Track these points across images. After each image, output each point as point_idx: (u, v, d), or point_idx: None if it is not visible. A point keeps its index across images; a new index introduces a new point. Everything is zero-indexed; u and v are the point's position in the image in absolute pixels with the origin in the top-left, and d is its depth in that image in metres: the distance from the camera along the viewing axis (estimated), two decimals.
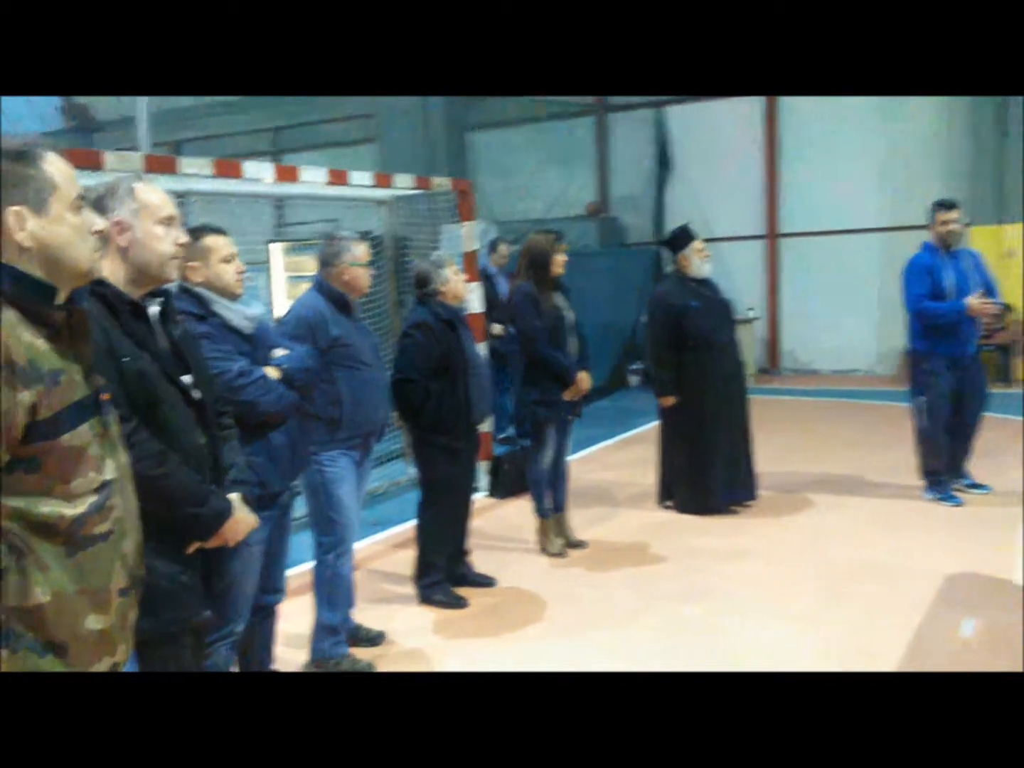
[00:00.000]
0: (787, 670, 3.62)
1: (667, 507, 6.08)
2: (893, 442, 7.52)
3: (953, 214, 5.79)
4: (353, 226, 6.39)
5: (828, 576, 4.78)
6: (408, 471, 6.82)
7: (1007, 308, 9.63)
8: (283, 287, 6.48)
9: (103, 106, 13.30)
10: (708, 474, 5.86)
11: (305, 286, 6.41)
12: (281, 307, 6.18)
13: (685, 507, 5.96)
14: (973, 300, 5.63)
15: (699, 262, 5.89)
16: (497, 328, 7.67)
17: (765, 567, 4.98)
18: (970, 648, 3.88)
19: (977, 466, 6.18)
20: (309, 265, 6.58)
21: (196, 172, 4.67)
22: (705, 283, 5.94)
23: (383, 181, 6.27)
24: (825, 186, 11.26)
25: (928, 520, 5.63)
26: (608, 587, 4.79)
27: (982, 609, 4.23)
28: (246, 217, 6.33)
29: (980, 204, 9.50)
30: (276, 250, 6.47)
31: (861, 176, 11.08)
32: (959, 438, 6.02)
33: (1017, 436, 7.36)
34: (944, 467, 5.99)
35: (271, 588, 3.27)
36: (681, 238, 5.98)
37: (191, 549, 2.17)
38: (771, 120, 11.47)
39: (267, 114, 14.01)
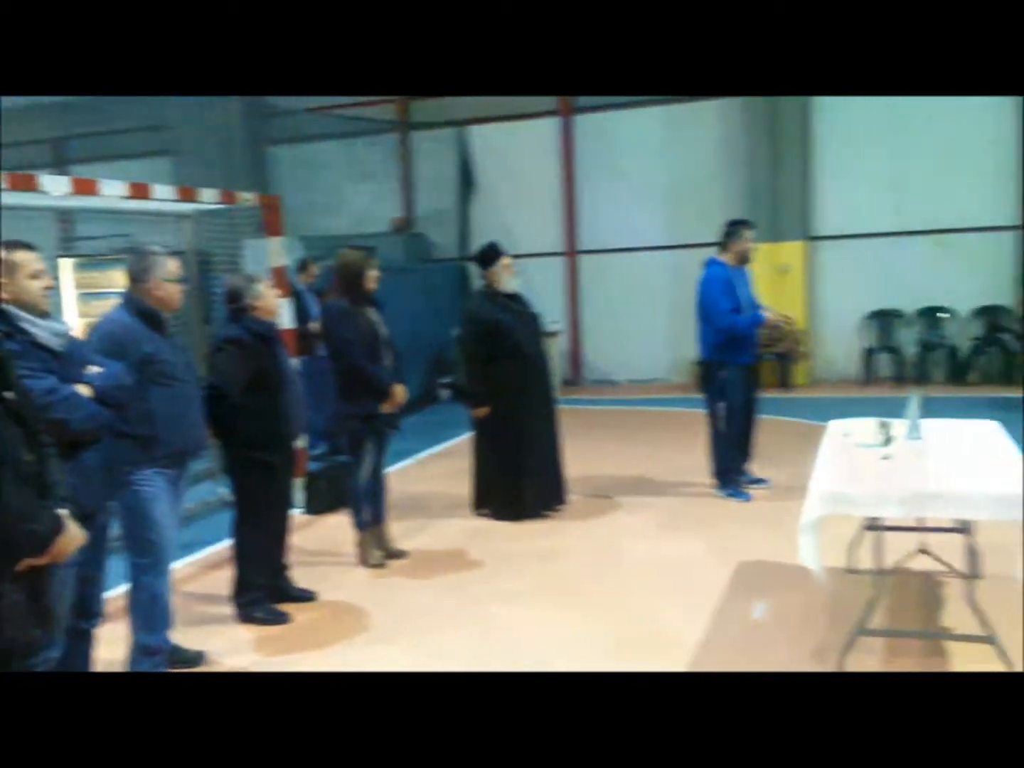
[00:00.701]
0: (592, 659, 3.87)
1: (482, 515, 6.26)
2: (687, 445, 8.04)
3: (752, 232, 6.44)
4: (149, 241, 6.20)
5: (631, 571, 5.10)
6: (219, 491, 6.66)
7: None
8: (74, 304, 6.19)
9: None
10: (521, 481, 6.08)
11: (100, 303, 6.15)
12: (72, 324, 5.90)
13: (499, 514, 6.15)
14: (769, 313, 6.30)
15: (507, 277, 6.12)
16: (314, 325, 7.69)
17: (573, 566, 5.24)
18: (761, 629, 4.26)
19: (759, 463, 6.72)
20: (104, 281, 6.32)
21: None
22: (514, 297, 6.18)
23: (187, 195, 6.12)
24: (618, 206, 11.87)
25: (721, 515, 6.09)
26: (428, 594, 4.90)
27: (771, 592, 4.63)
28: (26, 232, 6.00)
29: (757, 224, 10.27)
30: (66, 266, 6.17)
31: (650, 198, 11.76)
32: (743, 439, 6.54)
33: (793, 435, 8.04)
34: (734, 466, 6.50)
35: (88, 612, 3.17)
36: (490, 254, 6.19)
37: (22, 566, 2.11)
38: (567, 141, 11.99)
39: (48, 124, 13.23)
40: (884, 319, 10.93)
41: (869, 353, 10.86)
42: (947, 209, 10.57)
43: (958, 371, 10.55)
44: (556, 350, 11.34)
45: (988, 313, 10.57)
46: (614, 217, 11.91)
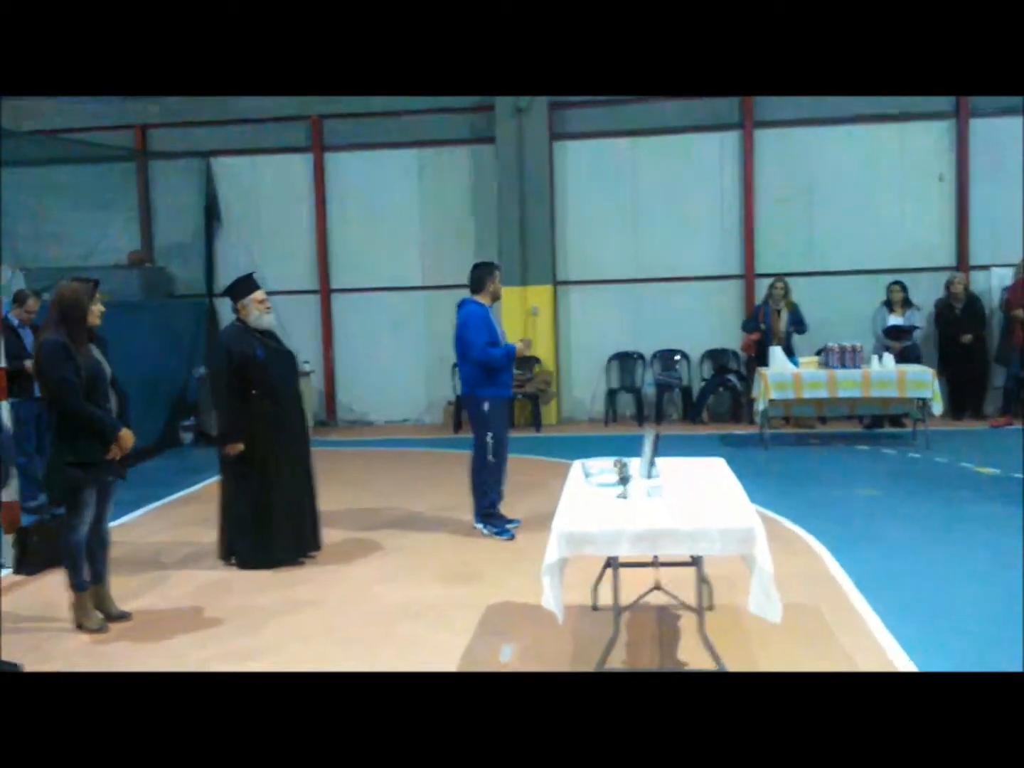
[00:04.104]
0: None
1: (230, 564, 5.89)
2: (443, 485, 8.02)
3: (499, 273, 6.60)
4: None
5: (380, 619, 4.94)
6: None
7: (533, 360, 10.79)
8: None
9: None
10: (273, 526, 5.79)
11: None
12: None
13: (248, 562, 5.81)
14: (519, 344, 6.49)
15: (258, 313, 5.84)
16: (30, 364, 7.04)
17: (318, 617, 5.00)
18: (507, 671, 4.23)
19: (512, 501, 6.78)
20: None
21: None
22: (269, 334, 5.92)
23: None
24: (371, 246, 11.78)
25: (473, 555, 6.06)
26: (151, 659, 4.48)
27: (518, 634, 4.62)
28: None
29: (507, 269, 10.53)
30: None
31: (403, 240, 11.75)
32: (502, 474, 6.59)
33: (544, 473, 8.16)
34: (497, 502, 6.50)
35: None
36: (242, 287, 5.91)
37: None
38: (319, 178, 11.78)
39: None
40: (625, 361, 11.49)
41: (612, 393, 11.36)
42: (679, 259, 11.31)
43: (691, 410, 11.24)
44: (310, 390, 11.04)
45: (716, 356, 11.38)
46: (368, 256, 11.81)
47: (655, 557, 4.53)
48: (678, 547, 3.53)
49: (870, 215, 10.96)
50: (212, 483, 7.95)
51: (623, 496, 3.89)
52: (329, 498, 6.51)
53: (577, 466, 4.57)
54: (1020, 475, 7.56)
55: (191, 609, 5.18)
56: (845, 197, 11.00)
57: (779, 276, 10.52)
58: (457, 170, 11.67)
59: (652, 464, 4.23)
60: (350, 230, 11.85)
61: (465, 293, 6.62)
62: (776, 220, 11.15)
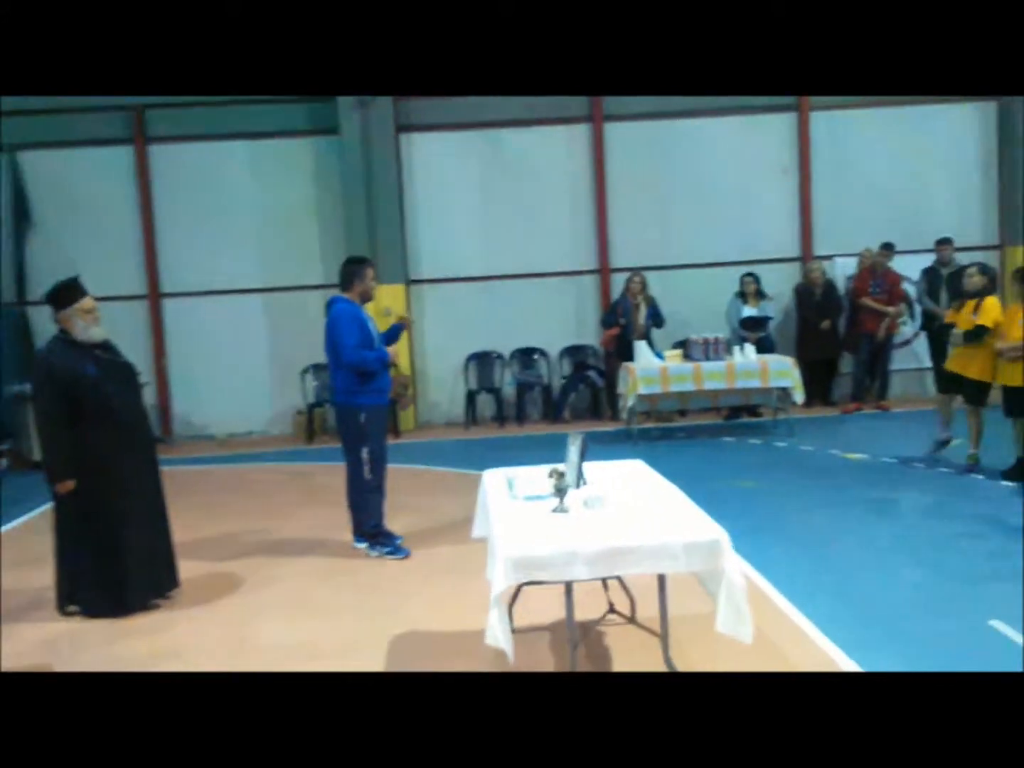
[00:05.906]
0: None
1: (70, 613, 5.09)
2: (306, 502, 7.41)
3: (374, 270, 6.10)
4: None
5: (272, 664, 4.32)
6: None
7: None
8: None
9: None
10: (121, 566, 5.02)
11: None
12: None
13: (94, 610, 5.03)
14: (392, 350, 6.02)
15: (84, 324, 5.03)
16: None
17: (200, 668, 4.35)
18: None
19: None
20: None
21: None
22: (103, 346, 5.13)
23: None
24: (205, 246, 10.89)
25: (362, 579, 5.51)
26: None
27: (431, 666, 4.15)
28: None
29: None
30: None
31: (240, 239, 10.93)
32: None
33: (410, 483, 7.63)
34: (380, 518, 5.96)
35: None
36: (64, 294, 5.08)
37: None
38: (143, 171, 10.79)
39: None
40: (483, 361, 11.12)
41: (471, 395, 10.97)
42: (534, 255, 11.04)
43: (552, 409, 11.00)
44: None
45: (575, 352, 11.19)
46: (201, 257, 10.90)
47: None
48: (639, 566, 3.16)
49: (717, 208, 11.05)
50: (38, 515, 7.05)
51: (561, 510, 3.49)
52: (179, 526, 5.77)
53: (494, 477, 4.14)
54: (888, 459, 7.72)
55: (34, 668, 4.40)
56: (694, 190, 11.04)
57: (635, 271, 10.42)
58: (297, 163, 10.96)
59: (582, 472, 3.85)
60: (180, 229, 10.91)
61: (313, 294, 6.07)
62: (629, 214, 11.06)
